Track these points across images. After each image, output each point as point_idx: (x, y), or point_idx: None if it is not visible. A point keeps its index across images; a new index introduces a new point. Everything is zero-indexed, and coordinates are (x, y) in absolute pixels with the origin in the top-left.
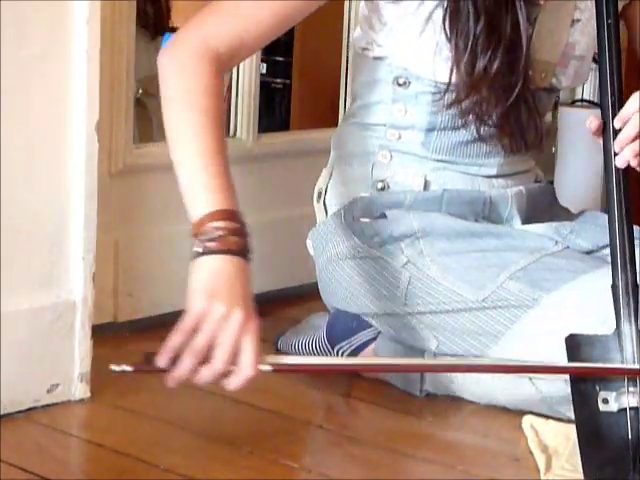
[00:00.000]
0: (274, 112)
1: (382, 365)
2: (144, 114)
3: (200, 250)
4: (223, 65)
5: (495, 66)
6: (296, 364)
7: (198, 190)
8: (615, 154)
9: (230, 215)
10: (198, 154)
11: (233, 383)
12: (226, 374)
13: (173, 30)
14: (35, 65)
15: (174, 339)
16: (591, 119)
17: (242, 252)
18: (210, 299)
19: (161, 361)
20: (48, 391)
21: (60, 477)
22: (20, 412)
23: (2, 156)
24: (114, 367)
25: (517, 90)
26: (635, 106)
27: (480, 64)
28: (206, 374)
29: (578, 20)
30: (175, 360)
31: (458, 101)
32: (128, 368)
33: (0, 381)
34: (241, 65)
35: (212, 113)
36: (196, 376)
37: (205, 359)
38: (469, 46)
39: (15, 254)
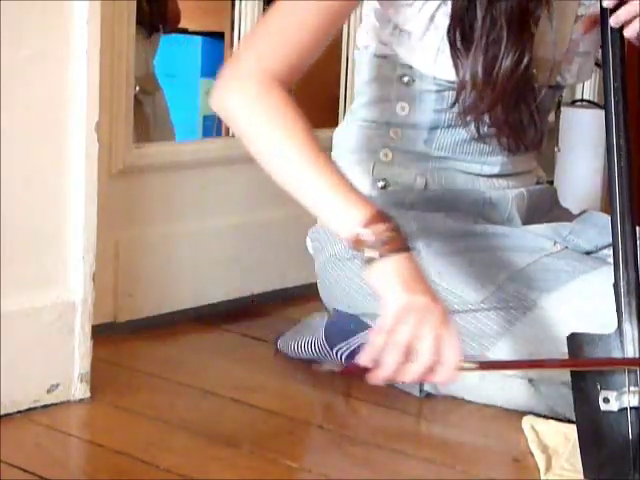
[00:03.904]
0: None
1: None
2: (141, 112)
3: (374, 256)
4: (288, 85)
5: (521, 68)
6: (499, 361)
7: (341, 204)
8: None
9: (383, 216)
10: (318, 174)
11: (441, 376)
12: (431, 369)
13: (169, 30)
14: (35, 65)
15: (378, 338)
16: None
17: (409, 247)
18: (409, 293)
19: (366, 361)
20: (48, 391)
21: (60, 477)
22: (20, 412)
23: (2, 156)
24: (319, 366)
25: (521, 90)
26: None
27: (505, 65)
28: (413, 369)
29: (582, 16)
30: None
31: (476, 107)
32: (334, 368)
33: (0, 381)
34: None
35: (306, 130)
36: (401, 373)
37: (406, 358)
38: (491, 50)
39: (15, 254)
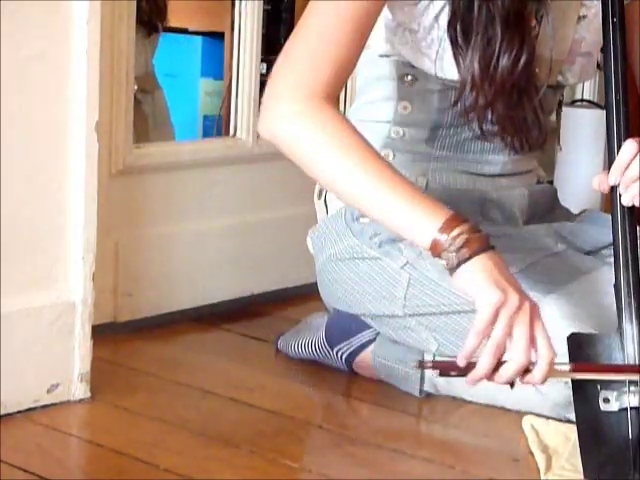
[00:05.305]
0: None
1: None
2: (140, 111)
3: (457, 261)
4: (335, 100)
5: (520, 65)
6: (593, 365)
7: (415, 215)
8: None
9: (457, 219)
10: (389, 188)
11: (538, 375)
12: (526, 368)
13: (169, 29)
14: (35, 65)
15: (472, 340)
16: (599, 181)
17: (490, 244)
18: (501, 290)
19: (462, 362)
20: (48, 391)
21: (60, 477)
22: (20, 412)
23: (2, 156)
24: (420, 364)
25: (522, 88)
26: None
27: (503, 62)
28: (509, 369)
29: (584, 16)
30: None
31: (476, 104)
32: (431, 367)
33: (0, 381)
34: (241, 65)
35: (364, 144)
36: (497, 373)
37: (501, 357)
38: (489, 46)
39: (15, 254)
